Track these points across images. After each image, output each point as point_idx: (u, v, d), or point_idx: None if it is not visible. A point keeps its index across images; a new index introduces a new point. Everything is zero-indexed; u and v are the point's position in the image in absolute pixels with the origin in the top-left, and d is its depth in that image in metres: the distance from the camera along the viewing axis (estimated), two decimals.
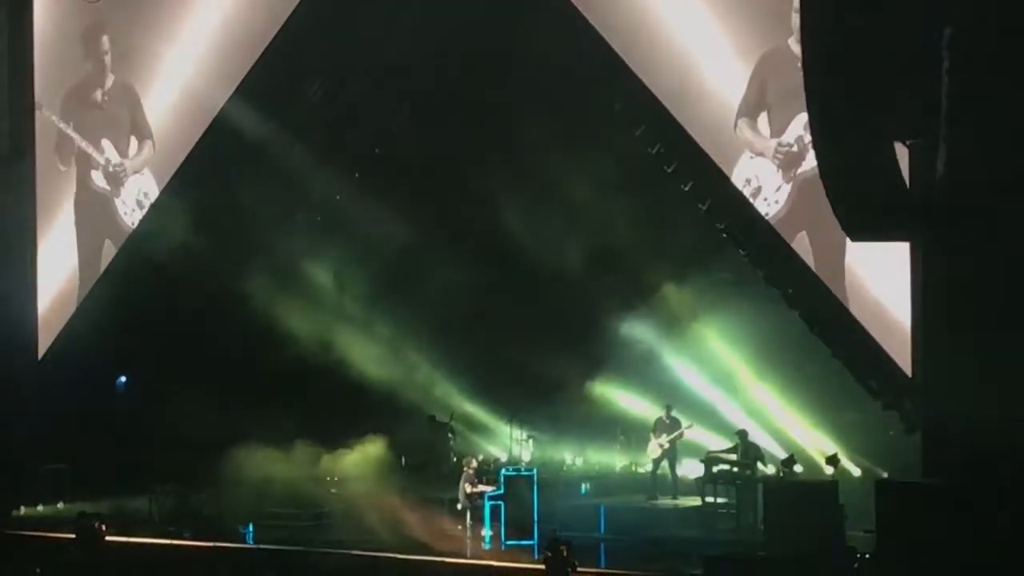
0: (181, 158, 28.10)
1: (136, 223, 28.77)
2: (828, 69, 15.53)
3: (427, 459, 28.18)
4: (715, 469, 25.32)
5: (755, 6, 24.09)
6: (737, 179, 24.49)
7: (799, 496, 21.85)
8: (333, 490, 26.98)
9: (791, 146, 23.84)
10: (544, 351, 27.74)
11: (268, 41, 26.96)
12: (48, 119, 29.44)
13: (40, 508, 27.38)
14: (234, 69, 27.33)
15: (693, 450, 26.92)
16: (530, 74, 26.13)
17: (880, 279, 23.04)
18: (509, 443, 28.16)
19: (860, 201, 16.81)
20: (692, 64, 24.75)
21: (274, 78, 27.14)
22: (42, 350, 29.47)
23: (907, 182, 17.33)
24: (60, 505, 27.17)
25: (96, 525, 21.72)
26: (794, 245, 24.08)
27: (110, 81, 29.01)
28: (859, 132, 15.98)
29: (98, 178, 29.24)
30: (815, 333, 24.77)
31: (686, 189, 25.28)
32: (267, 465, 27.64)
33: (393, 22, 26.44)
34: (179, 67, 27.86)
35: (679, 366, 27.90)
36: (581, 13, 25.06)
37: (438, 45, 26.42)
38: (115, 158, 28.94)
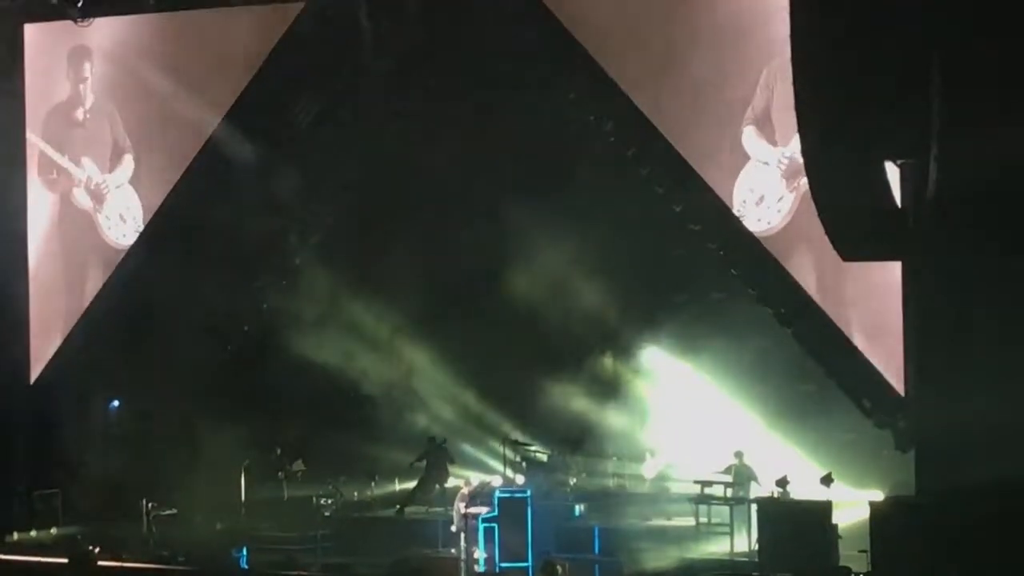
0: (167, 178, 28.15)
1: (120, 237, 28.79)
2: (819, 90, 15.57)
3: (424, 478, 28.14)
4: (708, 489, 25.27)
5: (759, 18, 24.11)
6: (740, 188, 24.58)
7: (793, 516, 21.84)
8: (327, 513, 26.92)
9: (795, 156, 23.87)
10: (540, 373, 27.75)
11: (258, 65, 27.10)
12: (30, 139, 29.43)
13: (33, 533, 27.28)
14: (223, 89, 27.42)
15: (688, 470, 26.87)
16: (521, 95, 26.20)
17: (879, 292, 23.07)
18: (503, 465, 28.09)
19: (851, 221, 16.87)
20: (687, 82, 24.83)
21: (263, 101, 27.21)
22: (34, 375, 29.41)
23: (898, 201, 17.39)
24: (53, 531, 27.08)
25: (88, 550, 21.68)
26: (796, 256, 24.12)
27: (91, 98, 29.06)
28: (850, 152, 16.02)
29: (80, 195, 29.24)
30: (807, 352, 24.83)
31: (678, 210, 25.38)
32: (260, 488, 27.69)
33: (385, 44, 26.54)
34: (160, 84, 27.92)
35: (673, 386, 27.87)
36: (569, 31, 25.18)
37: (428, 65, 26.60)
38: (97, 175, 28.99)
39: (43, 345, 29.42)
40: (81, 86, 29.15)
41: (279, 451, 28.39)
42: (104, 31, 28.63)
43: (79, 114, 29.23)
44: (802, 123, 16.16)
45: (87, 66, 29.01)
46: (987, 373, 15.82)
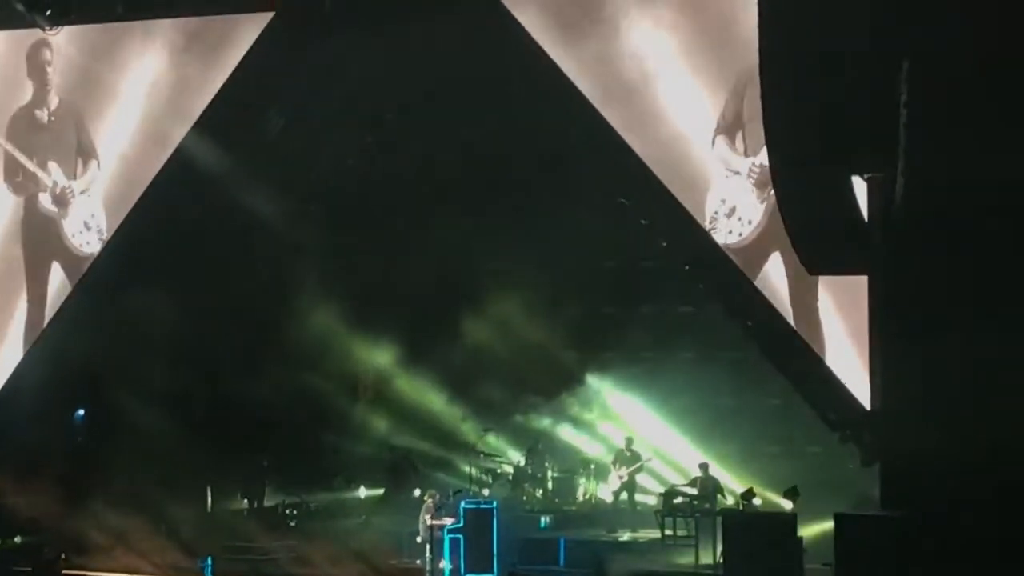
0: (131, 186, 28.05)
1: (84, 245, 28.66)
2: (787, 103, 15.61)
3: (389, 489, 28.16)
4: (675, 501, 25.29)
5: (730, 27, 24.16)
6: (712, 199, 24.59)
7: (758, 529, 21.89)
8: (292, 523, 26.87)
9: (766, 165, 23.94)
10: (506, 384, 27.77)
11: (227, 73, 27.05)
12: None
13: None
14: (189, 99, 27.37)
15: (653, 482, 26.92)
16: (487, 105, 26.25)
17: (848, 304, 23.14)
18: (469, 476, 28.10)
19: (818, 234, 16.91)
20: (654, 92, 24.86)
21: (231, 109, 27.15)
22: None
23: (865, 216, 17.44)
24: (17, 539, 26.94)
25: (53, 558, 21.64)
26: (768, 266, 24.16)
27: (55, 102, 28.97)
28: (817, 166, 16.06)
29: (46, 200, 29.12)
30: (774, 365, 24.89)
31: (645, 223, 25.44)
32: (226, 499, 27.63)
33: (353, 54, 26.53)
34: (126, 91, 27.90)
35: (640, 398, 27.93)
36: (540, 46, 25.19)
37: (399, 77, 26.59)
38: (62, 180, 28.87)
39: (4, 353, 29.27)
40: (44, 86, 29.03)
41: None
42: (66, 34, 28.51)
43: (43, 116, 29.08)
44: (770, 136, 16.18)
45: (49, 67, 28.89)
46: (953, 388, 15.87)
